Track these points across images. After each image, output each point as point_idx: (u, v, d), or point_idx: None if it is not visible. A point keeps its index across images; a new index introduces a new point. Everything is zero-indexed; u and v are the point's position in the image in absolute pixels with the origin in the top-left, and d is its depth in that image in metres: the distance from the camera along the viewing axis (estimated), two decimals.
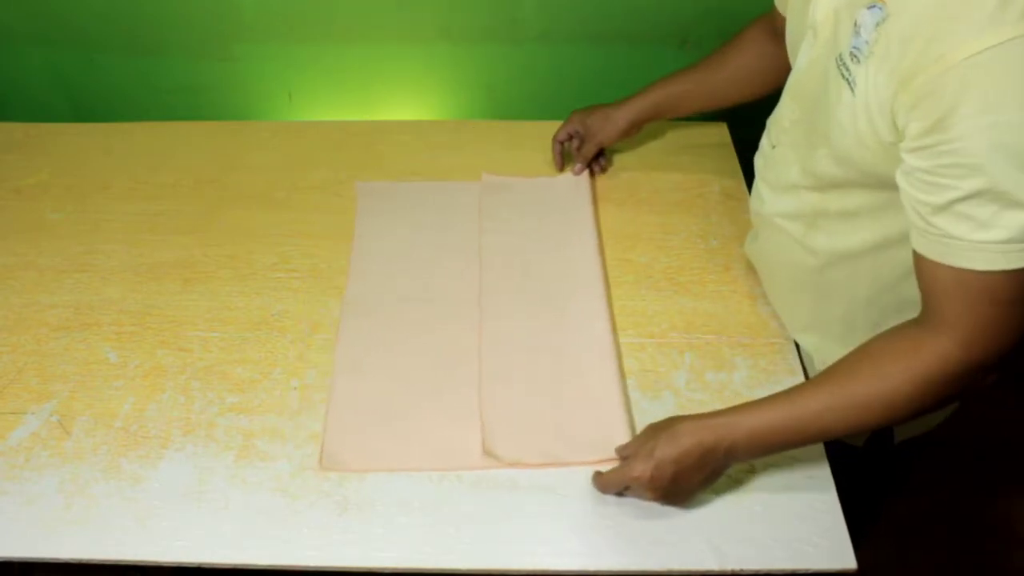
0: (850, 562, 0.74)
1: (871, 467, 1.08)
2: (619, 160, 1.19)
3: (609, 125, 1.11)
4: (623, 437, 0.83)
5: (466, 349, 0.93)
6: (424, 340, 0.95)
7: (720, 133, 1.24)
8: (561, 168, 1.16)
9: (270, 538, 0.77)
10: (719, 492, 0.80)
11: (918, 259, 0.66)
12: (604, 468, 0.79)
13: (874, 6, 0.64)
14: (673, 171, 1.17)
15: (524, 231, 1.08)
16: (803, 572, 0.74)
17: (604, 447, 0.82)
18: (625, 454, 0.78)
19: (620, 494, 0.79)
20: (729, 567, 0.74)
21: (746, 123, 1.11)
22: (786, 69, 0.97)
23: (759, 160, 0.91)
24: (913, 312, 0.70)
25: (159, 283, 1.02)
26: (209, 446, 0.84)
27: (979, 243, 0.60)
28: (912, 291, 0.70)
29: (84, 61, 1.31)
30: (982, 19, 0.56)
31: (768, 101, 0.92)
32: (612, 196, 1.14)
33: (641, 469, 0.74)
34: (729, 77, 1.04)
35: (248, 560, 0.76)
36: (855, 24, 0.66)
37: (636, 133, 1.12)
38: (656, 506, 0.78)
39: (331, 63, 1.30)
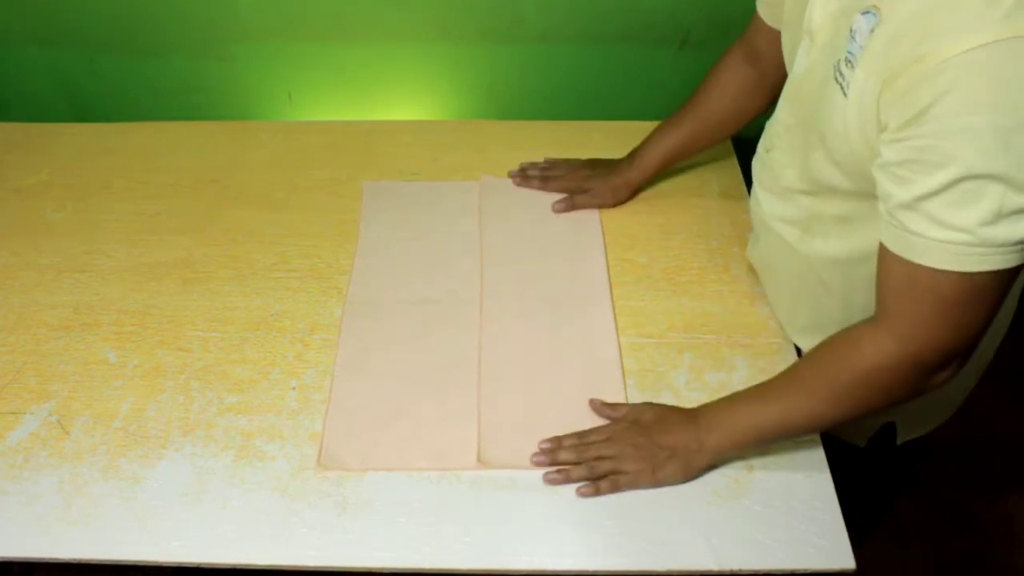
0: (850, 562, 0.74)
1: (872, 467, 1.08)
2: None
3: (614, 198, 1.11)
4: None
5: (467, 350, 0.93)
6: (425, 340, 0.94)
7: None
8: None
9: (270, 538, 0.77)
10: (719, 492, 0.80)
11: (881, 251, 0.67)
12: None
13: (868, 11, 0.64)
14: (673, 171, 1.16)
15: (525, 233, 1.08)
16: (803, 572, 0.74)
17: None
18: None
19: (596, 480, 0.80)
20: (729, 567, 0.74)
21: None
22: (768, 90, 0.99)
23: (756, 164, 0.91)
24: None
25: (159, 283, 1.02)
26: (208, 446, 0.84)
27: (935, 241, 0.61)
28: None
29: (84, 61, 1.31)
30: (964, 22, 0.56)
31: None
32: None
33: (628, 409, 0.85)
34: (719, 122, 1.05)
35: (248, 560, 0.76)
36: (851, 30, 0.66)
37: None
38: (656, 506, 0.79)
39: (331, 63, 1.30)
